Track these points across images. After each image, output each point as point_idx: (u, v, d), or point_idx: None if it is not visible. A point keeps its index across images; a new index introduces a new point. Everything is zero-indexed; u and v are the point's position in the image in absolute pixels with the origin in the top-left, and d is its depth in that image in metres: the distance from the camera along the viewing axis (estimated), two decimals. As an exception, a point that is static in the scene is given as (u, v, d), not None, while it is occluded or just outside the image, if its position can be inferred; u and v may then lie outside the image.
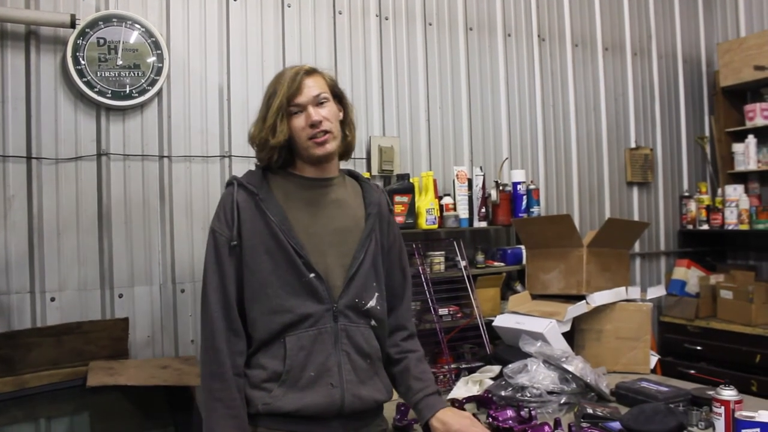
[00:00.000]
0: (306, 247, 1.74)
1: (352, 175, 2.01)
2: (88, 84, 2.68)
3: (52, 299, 2.65)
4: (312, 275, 1.73)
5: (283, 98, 1.73)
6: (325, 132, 1.76)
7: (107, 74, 2.72)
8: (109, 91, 2.72)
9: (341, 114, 1.87)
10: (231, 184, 1.82)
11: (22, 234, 2.61)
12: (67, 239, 2.68)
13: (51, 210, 2.66)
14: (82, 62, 2.67)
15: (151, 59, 2.80)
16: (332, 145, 1.79)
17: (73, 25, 2.60)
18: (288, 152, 1.83)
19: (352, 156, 3.17)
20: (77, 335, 2.54)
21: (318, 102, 1.77)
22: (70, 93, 2.71)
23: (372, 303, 1.84)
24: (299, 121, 1.76)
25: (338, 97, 1.87)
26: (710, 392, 2.24)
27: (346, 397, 1.73)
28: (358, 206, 1.91)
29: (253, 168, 1.91)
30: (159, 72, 2.81)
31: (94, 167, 2.75)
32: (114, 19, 2.74)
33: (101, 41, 2.71)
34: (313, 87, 1.77)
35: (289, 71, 1.79)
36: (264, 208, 1.75)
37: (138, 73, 2.77)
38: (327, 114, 1.77)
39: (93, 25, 2.69)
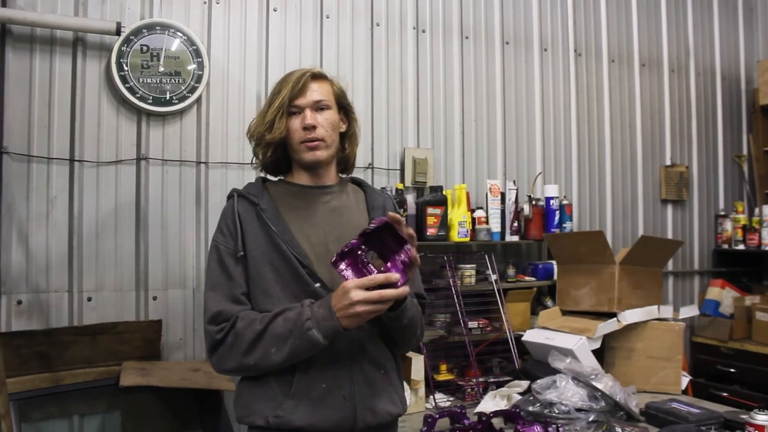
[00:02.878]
0: (309, 257, 1.71)
1: (356, 182, 1.97)
2: (131, 90, 2.74)
3: (89, 299, 2.70)
4: (317, 285, 1.68)
5: (285, 97, 1.71)
6: (318, 139, 1.74)
7: (149, 81, 2.78)
8: (151, 97, 2.78)
9: (344, 126, 1.85)
10: (231, 196, 1.80)
11: (63, 234, 2.67)
12: (105, 241, 2.74)
13: (91, 212, 2.73)
14: (126, 68, 2.73)
15: (192, 67, 2.86)
16: (323, 153, 1.76)
17: (118, 33, 2.67)
18: (284, 155, 1.82)
19: (386, 167, 3.28)
20: (112, 335, 2.59)
21: (318, 107, 1.75)
22: (113, 98, 2.77)
23: None
24: (296, 123, 1.74)
25: (344, 108, 1.85)
26: (743, 416, 2.22)
27: (358, 411, 1.68)
28: (360, 213, 1.86)
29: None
30: (199, 79, 2.87)
31: (134, 171, 2.81)
32: (157, 27, 2.80)
33: (144, 48, 2.77)
34: (316, 92, 1.75)
35: (297, 72, 1.77)
36: (265, 218, 1.72)
37: (179, 80, 2.83)
38: (323, 121, 1.75)
39: (137, 32, 2.76)
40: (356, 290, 1.51)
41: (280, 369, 1.65)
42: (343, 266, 1.57)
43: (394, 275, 1.52)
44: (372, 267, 1.57)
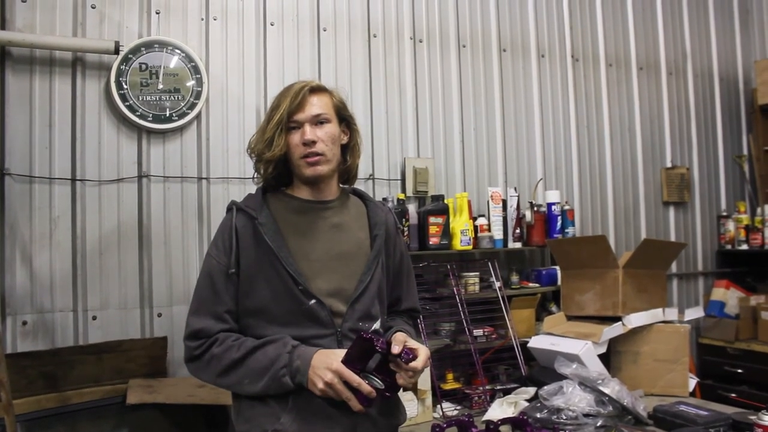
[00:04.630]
0: (305, 274, 1.69)
1: (357, 193, 1.96)
2: (131, 108, 2.76)
3: (94, 318, 2.71)
4: (312, 302, 1.68)
5: (284, 113, 1.70)
6: (318, 154, 1.72)
7: (148, 98, 2.79)
8: (150, 115, 2.79)
9: (345, 138, 1.84)
10: (230, 209, 1.77)
11: (66, 254, 2.68)
12: (108, 259, 2.75)
13: (93, 230, 2.73)
14: (125, 87, 2.75)
15: (191, 83, 2.87)
16: (324, 168, 1.74)
17: (117, 52, 2.69)
18: (285, 168, 1.81)
19: (387, 178, 3.29)
20: (118, 353, 2.59)
21: (317, 122, 1.73)
22: (113, 117, 2.79)
23: (376, 325, 1.80)
24: (295, 138, 1.73)
25: (345, 120, 1.83)
26: (752, 417, 2.21)
27: (358, 423, 1.67)
28: (360, 228, 1.85)
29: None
30: (198, 95, 2.88)
31: (135, 189, 2.82)
32: (156, 45, 2.82)
33: (143, 66, 2.79)
34: (315, 105, 1.74)
35: (296, 85, 1.75)
36: (263, 233, 1.69)
37: (178, 97, 2.85)
38: (323, 135, 1.73)
39: (135, 51, 2.78)
40: (335, 375, 1.57)
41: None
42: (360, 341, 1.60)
43: (373, 394, 1.59)
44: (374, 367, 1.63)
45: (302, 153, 1.73)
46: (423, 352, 1.65)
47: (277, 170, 1.79)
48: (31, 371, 2.42)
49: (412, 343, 1.65)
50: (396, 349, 1.59)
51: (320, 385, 1.57)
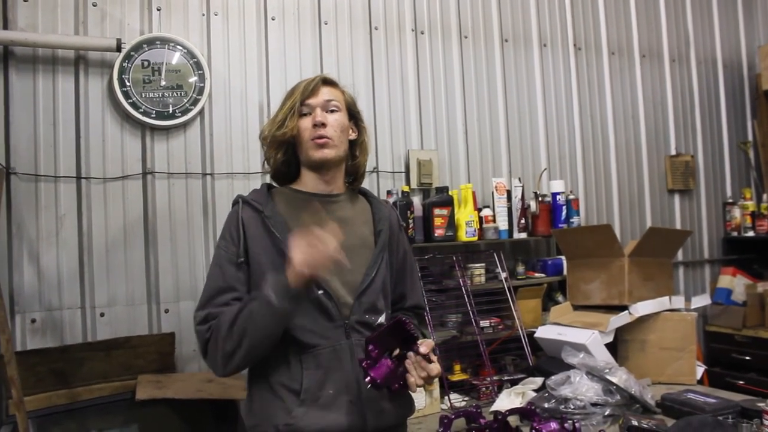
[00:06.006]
0: None
1: (360, 191, 1.98)
2: (134, 105, 2.76)
3: (102, 314, 2.72)
4: (320, 292, 1.69)
5: (297, 98, 1.76)
6: (327, 137, 1.76)
7: (151, 95, 2.80)
8: (154, 112, 2.80)
9: (353, 134, 1.87)
10: (236, 203, 1.79)
11: (73, 251, 2.69)
12: (115, 256, 2.76)
13: (100, 228, 2.74)
14: (128, 84, 2.75)
15: (193, 79, 2.87)
16: (331, 152, 1.77)
17: (119, 49, 2.69)
18: (293, 157, 1.84)
19: (391, 170, 3.28)
20: (126, 350, 2.60)
21: (328, 108, 1.78)
22: (117, 114, 2.79)
23: (381, 319, 1.81)
24: (306, 122, 1.77)
25: (354, 117, 1.88)
26: (760, 404, 2.21)
27: (368, 414, 1.69)
28: (364, 223, 1.88)
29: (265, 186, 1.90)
30: (201, 91, 2.88)
31: (140, 186, 2.82)
32: (157, 42, 2.82)
33: (145, 63, 2.79)
34: (327, 94, 1.80)
35: (309, 77, 1.83)
36: (270, 225, 1.72)
37: (180, 93, 2.85)
38: (333, 122, 1.77)
39: (137, 48, 2.78)
40: (315, 237, 1.57)
41: (289, 379, 1.68)
42: (371, 347, 1.62)
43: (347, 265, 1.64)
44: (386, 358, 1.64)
45: (312, 135, 1.76)
46: (437, 365, 1.67)
47: (286, 156, 1.83)
48: (41, 368, 2.43)
49: (432, 356, 1.67)
50: (424, 349, 1.61)
51: (300, 254, 1.55)
